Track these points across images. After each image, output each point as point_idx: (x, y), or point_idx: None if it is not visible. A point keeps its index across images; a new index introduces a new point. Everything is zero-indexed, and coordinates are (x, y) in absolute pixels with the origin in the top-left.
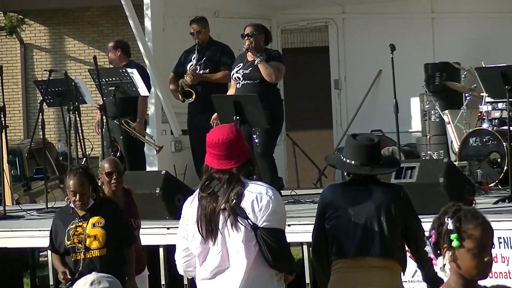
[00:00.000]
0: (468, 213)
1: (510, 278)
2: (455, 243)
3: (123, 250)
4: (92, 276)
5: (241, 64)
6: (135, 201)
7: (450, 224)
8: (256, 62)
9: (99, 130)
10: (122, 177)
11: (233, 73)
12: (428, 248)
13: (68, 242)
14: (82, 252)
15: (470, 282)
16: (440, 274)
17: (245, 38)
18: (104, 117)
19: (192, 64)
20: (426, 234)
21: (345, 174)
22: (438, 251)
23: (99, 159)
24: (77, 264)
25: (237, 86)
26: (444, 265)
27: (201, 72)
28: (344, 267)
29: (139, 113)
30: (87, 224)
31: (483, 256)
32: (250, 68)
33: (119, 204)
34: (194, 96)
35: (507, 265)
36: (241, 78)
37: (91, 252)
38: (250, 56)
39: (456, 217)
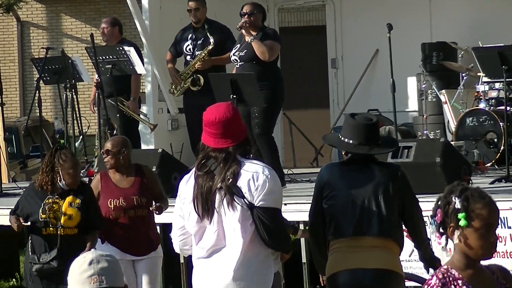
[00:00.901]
0: (475, 193)
1: (508, 258)
2: (462, 222)
3: (88, 232)
4: (91, 254)
5: (238, 45)
6: (149, 179)
7: (457, 203)
8: (249, 40)
9: (95, 108)
10: (119, 156)
11: (231, 55)
12: (431, 227)
13: (43, 216)
14: (58, 228)
15: (474, 261)
16: (442, 253)
17: (245, 17)
18: (100, 95)
19: (188, 44)
20: (426, 213)
21: (343, 153)
22: (443, 230)
23: (95, 137)
24: (49, 238)
25: (236, 67)
26: (446, 244)
27: (197, 53)
28: (342, 247)
29: (132, 92)
30: (64, 202)
31: (490, 236)
32: (245, 50)
33: (129, 182)
34: (202, 81)
35: (504, 245)
36: (238, 60)
37: (65, 230)
38: (249, 36)
39: (464, 196)
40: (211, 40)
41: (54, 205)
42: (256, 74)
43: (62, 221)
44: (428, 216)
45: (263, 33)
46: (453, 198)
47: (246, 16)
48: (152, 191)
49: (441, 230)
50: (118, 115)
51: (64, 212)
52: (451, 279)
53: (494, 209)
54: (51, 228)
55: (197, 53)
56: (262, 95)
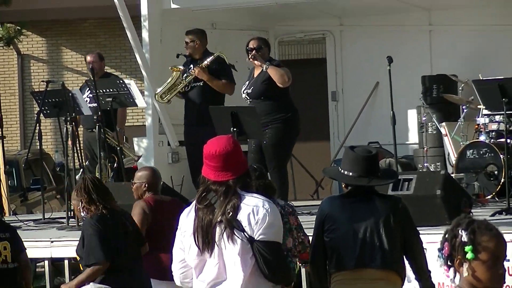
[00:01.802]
0: (482, 225)
1: None
2: (469, 255)
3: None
4: (90, 287)
5: (247, 82)
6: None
7: (464, 236)
8: (264, 68)
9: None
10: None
11: (242, 93)
12: (439, 260)
13: None
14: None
15: None
16: (452, 285)
17: (252, 52)
18: (102, 129)
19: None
20: (426, 245)
21: (343, 186)
22: (450, 263)
23: (96, 169)
24: None
25: (248, 102)
26: (454, 277)
27: (194, 84)
28: (345, 279)
29: (118, 123)
30: None
31: (498, 268)
32: (252, 87)
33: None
34: (174, 75)
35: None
36: (248, 98)
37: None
38: (256, 71)
39: (470, 229)
40: (208, 59)
41: None
42: (269, 108)
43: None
44: (437, 249)
45: (272, 65)
46: (459, 231)
47: (253, 51)
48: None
49: (448, 263)
50: (118, 148)
51: None
52: None
53: (501, 241)
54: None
55: (194, 84)
56: (272, 128)
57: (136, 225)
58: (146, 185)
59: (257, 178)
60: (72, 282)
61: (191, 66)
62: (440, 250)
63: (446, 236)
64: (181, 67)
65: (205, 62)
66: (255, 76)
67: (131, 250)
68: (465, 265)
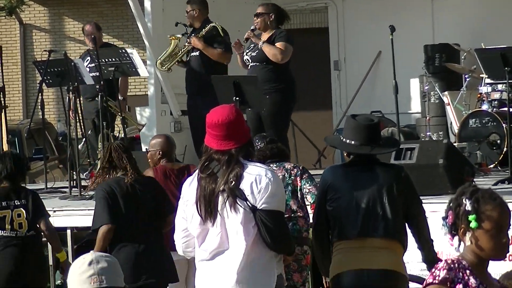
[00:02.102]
0: (486, 194)
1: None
2: (473, 224)
3: None
4: (90, 255)
5: (252, 45)
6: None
7: (468, 205)
8: (259, 45)
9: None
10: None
11: (244, 55)
12: (443, 229)
13: None
14: None
15: (484, 262)
16: (455, 254)
17: (254, 18)
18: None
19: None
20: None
21: (345, 155)
22: (454, 232)
23: (98, 139)
24: None
25: (248, 69)
26: (459, 245)
27: (193, 54)
28: (347, 248)
29: (121, 92)
30: None
31: (501, 237)
32: (257, 51)
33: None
34: (172, 43)
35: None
36: (250, 60)
37: None
38: (263, 37)
39: (474, 198)
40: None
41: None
42: (267, 76)
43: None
44: (441, 218)
45: (275, 35)
46: (463, 199)
47: (255, 17)
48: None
49: (452, 231)
50: (121, 116)
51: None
52: (459, 266)
53: (506, 210)
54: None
55: (193, 54)
56: (270, 97)
57: (160, 199)
58: (160, 152)
59: (268, 143)
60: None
61: (192, 35)
62: (444, 218)
63: (451, 204)
64: (179, 36)
65: (202, 32)
66: (259, 43)
67: (142, 224)
68: (468, 234)
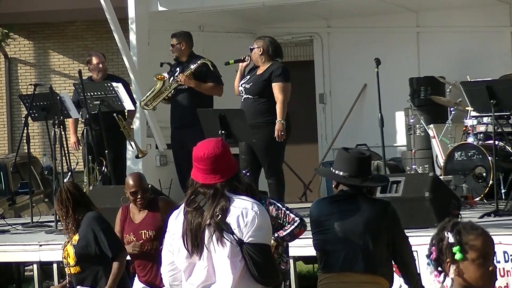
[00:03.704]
0: (467, 225)
1: None
2: (458, 256)
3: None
4: None
5: (248, 76)
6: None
7: (450, 237)
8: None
9: (80, 146)
10: (147, 194)
11: (240, 84)
12: (428, 267)
13: (63, 256)
14: (67, 267)
15: None
16: None
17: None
18: (89, 131)
19: (176, 74)
20: (415, 247)
21: (333, 186)
22: (439, 268)
23: (84, 173)
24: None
25: (241, 101)
26: (443, 281)
27: (180, 88)
28: (331, 282)
29: (129, 115)
30: (70, 242)
31: (488, 266)
32: (251, 84)
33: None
34: (159, 84)
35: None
36: (243, 91)
37: (71, 269)
38: (259, 70)
39: (456, 230)
40: (192, 66)
41: (66, 245)
42: (261, 109)
43: (68, 260)
44: (425, 256)
45: (271, 72)
46: (445, 233)
47: (250, 51)
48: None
49: (438, 268)
50: (106, 151)
51: (67, 252)
52: None
53: (488, 238)
54: (65, 268)
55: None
56: (264, 130)
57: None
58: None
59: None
60: (109, 284)
61: (178, 70)
62: (428, 256)
63: (433, 241)
64: (166, 75)
65: (190, 69)
66: (257, 73)
67: None
68: (453, 267)
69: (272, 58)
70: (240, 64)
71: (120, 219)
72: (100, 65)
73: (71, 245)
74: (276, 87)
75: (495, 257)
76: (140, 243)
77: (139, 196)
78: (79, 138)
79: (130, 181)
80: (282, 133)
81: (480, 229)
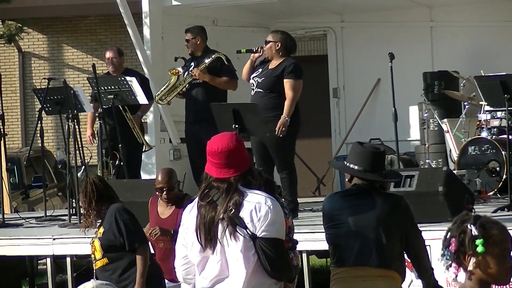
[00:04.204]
0: (489, 220)
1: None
2: (480, 249)
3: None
4: (90, 284)
5: (260, 70)
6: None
7: (474, 230)
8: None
9: (94, 140)
10: (173, 192)
11: (251, 77)
12: (442, 258)
13: (90, 252)
14: (94, 262)
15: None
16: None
17: (264, 45)
18: (103, 125)
19: (191, 68)
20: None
21: (346, 180)
22: (457, 259)
23: (98, 167)
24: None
25: (251, 93)
26: (457, 274)
27: (195, 82)
28: (345, 276)
29: (141, 110)
30: (96, 236)
31: (506, 262)
32: (264, 78)
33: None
34: (173, 78)
35: None
36: (255, 84)
37: (97, 263)
38: (272, 64)
39: (479, 223)
40: (206, 60)
41: (93, 241)
42: (272, 103)
43: (95, 255)
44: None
45: (284, 69)
46: (468, 225)
47: (265, 44)
48: None
49: (455, 259)
50: (120, 145)
51: (94, 246)
52: None
53: (508, 234)
54: (93, 264)
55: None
56: (275, 124)
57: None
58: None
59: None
60: (138, 279)
61: (192, 65)
62: (446, 247)
63: (451, 233)
64: (180, 69)
65: (204, 63)
66: (270, 67)
67: None
68: (473, 260)
69: (288, 54)
70: (252, 54)
71: (149, 209)
72: (114, 59)
73: (97, 239)
74: (287, 84)
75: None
76: (158, 228)
77: (164, 193)
78: (95, 132)
79: (158, 176)
80: (283, 129)
81: (501, 224)
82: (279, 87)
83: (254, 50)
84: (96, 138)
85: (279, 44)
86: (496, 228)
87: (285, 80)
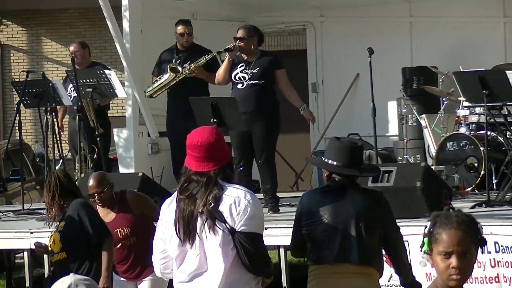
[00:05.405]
0: (444, 218)
1: (487, 283)
2: (424, 247)
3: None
4: (69, 279)
5: (243, 64)
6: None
7: (427, 227)
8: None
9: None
10: (105, 194)
11: (237, 73)
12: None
13: (48, 244)
14: (52, 257)
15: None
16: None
17: (237, 42)
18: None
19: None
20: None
21: (324, 176)
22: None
23: (76, 160)
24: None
25: (238, 86)
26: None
27: (186, 65)
28: (323, 273)
29: (101, 101)
30: (56, 230)
31: (449, 262)
32: (257, 68)
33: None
34: (170, 75)
35: (484, 270)
36: (246, 78)
37: (55, 256)
38: (253, 57)
39: (433, 221)
40: (203, 57)
41: (52, 234)
42: (265, 96)
43: (53, 248)
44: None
45: (270, 62)
46: (427, 223)
47: (239, 41)
48: (140, 214)
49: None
50: (98, 139)
51: (53, 239)
52: None
53: (456, 234)
54: (51, 257)
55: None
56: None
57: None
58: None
59: None
60: (103, 273)
61: (178, 58)
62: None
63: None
64: (179, 68)
65: (203, 59)
66: (256, 60)
67: None
68: (426, 257)
69: (258, 47)
70: (230, 53)
71: None
72: (77, 53)
73: (57, 232)
74: (280, 74)
75: (484, 248)
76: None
77: (97, 198)
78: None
79: (89, 182)
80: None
81: (455, 223)
82: (270, 78)
83: (232, 48)
84: (63, 131)
85: (255, 39)
86: (444, 227)
87: (277, 71)
